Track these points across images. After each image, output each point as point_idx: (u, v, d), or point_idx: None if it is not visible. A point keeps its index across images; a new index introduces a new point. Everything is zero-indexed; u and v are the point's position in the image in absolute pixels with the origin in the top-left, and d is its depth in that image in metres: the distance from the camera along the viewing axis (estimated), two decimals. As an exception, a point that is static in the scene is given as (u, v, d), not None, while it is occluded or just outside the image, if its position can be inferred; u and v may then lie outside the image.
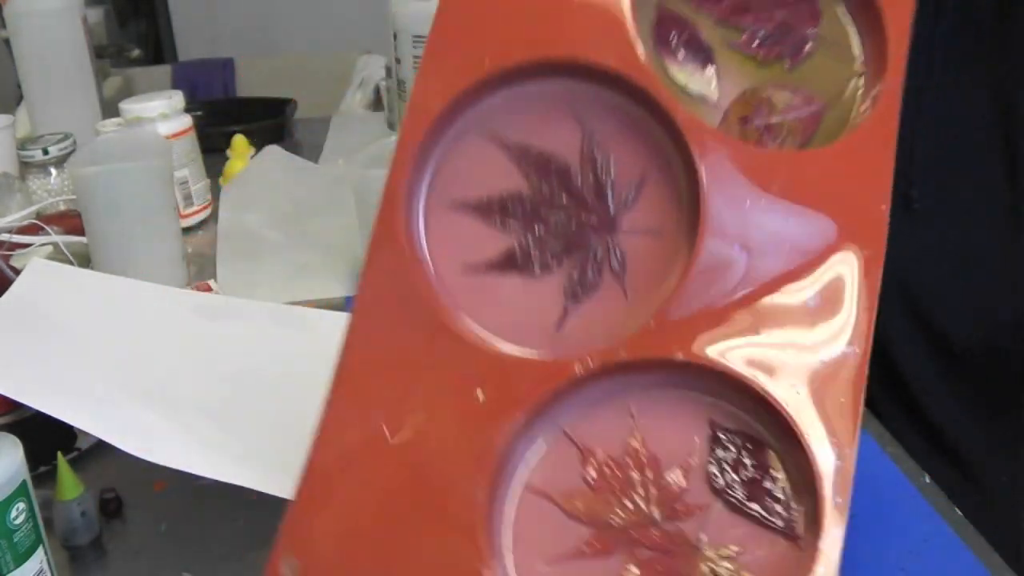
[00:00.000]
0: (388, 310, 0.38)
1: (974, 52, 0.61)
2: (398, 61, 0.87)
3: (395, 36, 0.86)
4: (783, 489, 0.35)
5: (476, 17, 0.39)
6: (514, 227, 0.40)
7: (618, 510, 0.35)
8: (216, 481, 0.46)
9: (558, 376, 0.36)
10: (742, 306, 0.37)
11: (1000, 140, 0.60)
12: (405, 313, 0.37)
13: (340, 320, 0.71)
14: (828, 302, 0.37)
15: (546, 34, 0.39)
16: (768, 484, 0.36)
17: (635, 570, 0.34)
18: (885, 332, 0.65)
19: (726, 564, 0.34)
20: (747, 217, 0.37)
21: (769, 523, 0.35)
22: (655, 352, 0.36)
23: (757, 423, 0.36)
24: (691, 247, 0.37)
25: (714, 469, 0.36)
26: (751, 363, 0.36)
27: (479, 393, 0.35)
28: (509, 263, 0.39)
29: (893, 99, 0.39)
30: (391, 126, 1.20)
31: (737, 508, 0.35)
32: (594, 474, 0.36)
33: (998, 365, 0.61)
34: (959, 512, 0.50)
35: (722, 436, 0.36)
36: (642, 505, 0.35)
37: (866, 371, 0.36)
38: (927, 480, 0.53)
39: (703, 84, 0.42)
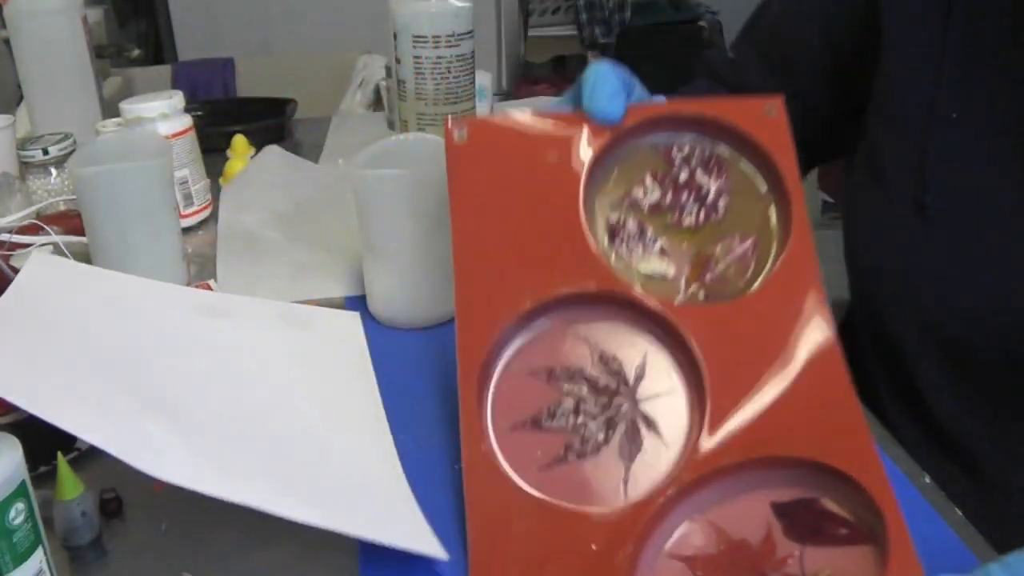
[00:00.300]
0: (498, 513, 0.47)
1: (985, 56, 0.61)
2: (398, 61, 0.87)
3: (395, 36, 0.86)
4: (844, 518, 0.46)
5: (485, 280, 0.53)
6: (565, 426, 0.50)
7: None
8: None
9: (646, 513, 0.46)
10: (757, 413, 0.48)
11: (1013, 143, 0.60)
12: (513, 511, 0.47)
13: (345, 319, 0.72)
14: (812, 381, 0.49)
15: (540, 280, 0.52)
16: (833, 519, 0.46)
17: None
18: (894, 336, 0.65)
19: None
20: (731, 354, 0.50)
21: (845, 541, 0.45)
22: (710, 467, 0.47)
23: (805, 484, 0.47)
24: (699, 390, 0.49)
25: (788, 528, 0.46)
26: (782, 444, 0.47)
27: (592, 546, 0.45)
28: (572, 453, 0.50)
29: (802, 217, 0.52)
30: (391, 126, 1.20)
31: (819, 543, 0.46)
32: (702, 573, 0.45)
33: (1009, 370, 0.61)
34: (959, 512, 0.50)
35: (783, 510, 0.47)
36: (752, 572, 0.45)
37: (861, 411, 0.48)
38: (927, 480, 0.53)
39: (662, 266, 0.54)
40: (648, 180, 0.55)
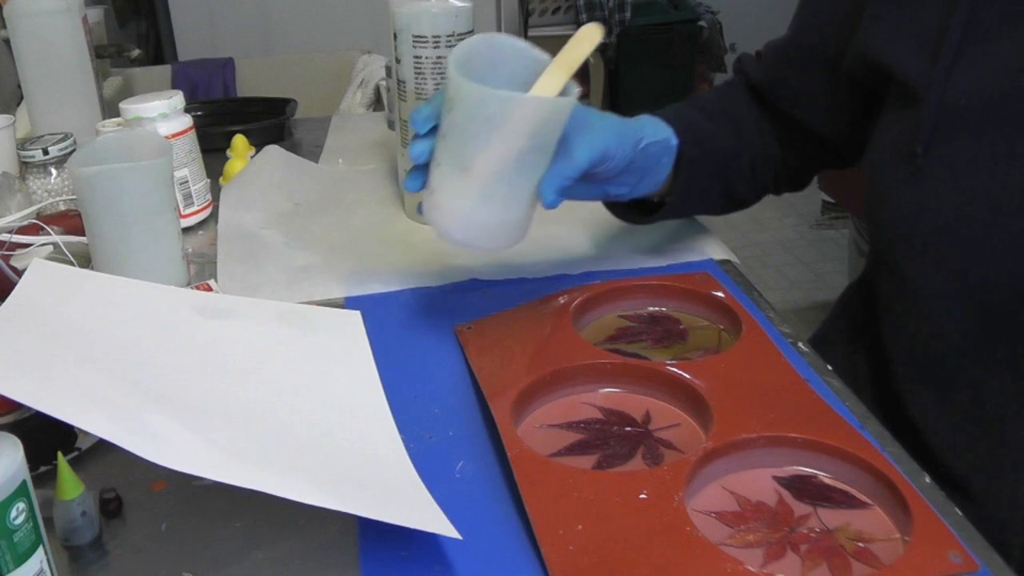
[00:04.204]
0: (551, 489, 0.52)
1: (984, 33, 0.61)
2: (398, 61, 0.87)
3: (395, 36, 0.86)
4: (843, 489, 0.53)
5: (505, 375, 0.62)
6: (591, 446, 0.57)
7: (763, 534, 0.50)
8: (216, 481, 0.45)
9: (684, 469, 0.53)
10: (751, 420, 0.56)
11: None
12: (565, 483, 0.52)
13: (346, 316, 0.72)
14: (779, 388, 0.61)
15: (543, 364, 0.63)
16: (832, 490, 0.53)
17: (802, 551, 0.49)
18: (919, 295, 0.66)
19: (844, 534, 0.50)
20: (722, 383, 0.60)
21: (851, 506, 0.52)
22: (725, 439, 0.55)
23: (800, 461, 0.55)
24: (704, 422, 0.58)
25: (796, 496, 0.53)
26: (778, 428, 0.56)
27: (642, 495, 0.51)
28: (604, 465, 0.56)
29: (752, 326, 0.67)
30: (391, 126, 1.20)
31: (828, 505, 0.52)
32: (731, 523, 0.51)
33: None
34: (959, 512, 0.51)
35: (785, 483, 0.54)
36: (774, 526, 0.51)
37: (836, 412, 0.58)
38: (927, 480, 0.53)
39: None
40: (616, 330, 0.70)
